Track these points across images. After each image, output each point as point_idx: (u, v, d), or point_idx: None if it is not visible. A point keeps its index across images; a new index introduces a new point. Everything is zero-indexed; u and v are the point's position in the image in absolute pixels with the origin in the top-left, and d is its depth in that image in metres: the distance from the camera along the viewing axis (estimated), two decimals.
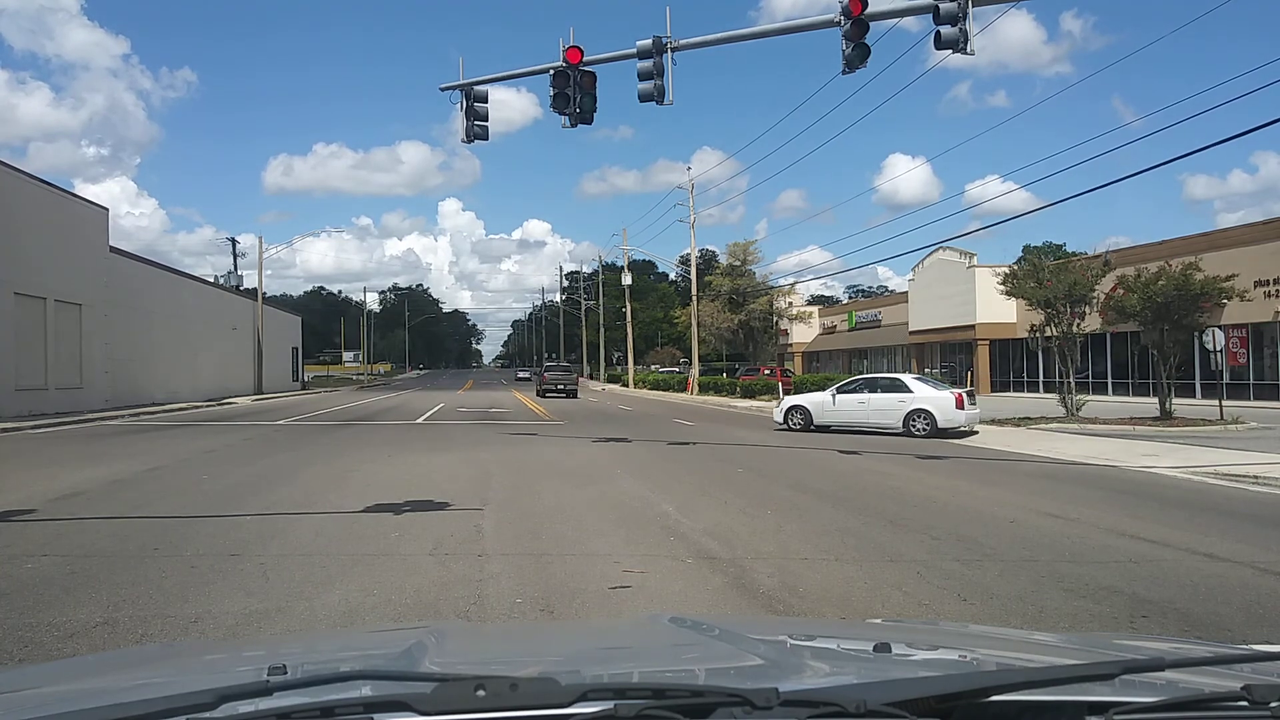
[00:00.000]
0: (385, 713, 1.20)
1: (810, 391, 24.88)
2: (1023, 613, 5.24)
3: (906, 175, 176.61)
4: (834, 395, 21.18)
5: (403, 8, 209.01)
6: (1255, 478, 11.53)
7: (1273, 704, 1.25)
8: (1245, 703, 1.27)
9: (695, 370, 48.52)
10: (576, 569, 6.35)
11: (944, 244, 44.49)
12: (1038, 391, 38.57)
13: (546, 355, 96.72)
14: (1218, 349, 21.92)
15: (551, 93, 13.57)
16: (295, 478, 11.81)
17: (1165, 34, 53.37)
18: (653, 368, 75.57)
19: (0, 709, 1.43)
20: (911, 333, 50.94)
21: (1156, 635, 4.47)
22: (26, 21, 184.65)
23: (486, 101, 14.84)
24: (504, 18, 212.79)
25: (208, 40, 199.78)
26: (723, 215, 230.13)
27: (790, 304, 54.22)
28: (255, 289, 50.99)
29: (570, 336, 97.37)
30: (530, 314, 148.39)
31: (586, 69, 13.66)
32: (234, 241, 62.09)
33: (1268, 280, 29.14)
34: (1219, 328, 22.62)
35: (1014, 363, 43.82)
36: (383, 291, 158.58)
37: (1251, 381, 30.83)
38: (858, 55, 12.23)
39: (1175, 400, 22.67)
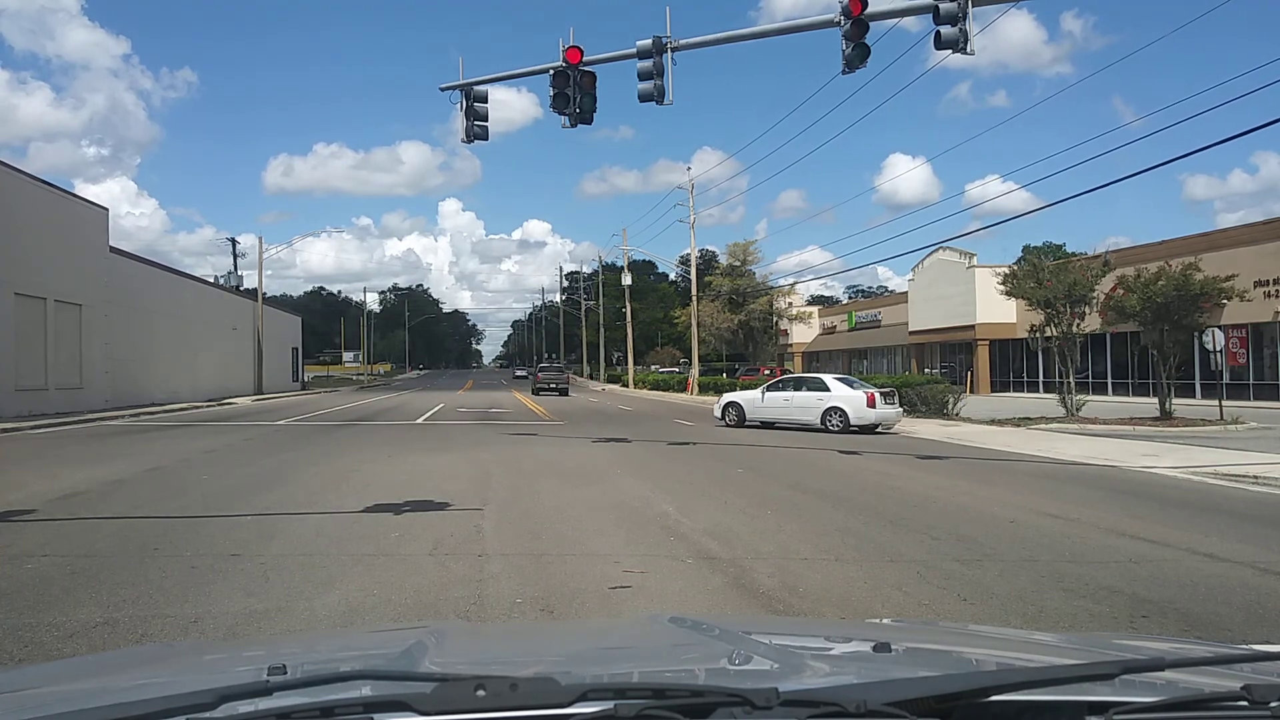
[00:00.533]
0: (385, 713, 1.20)
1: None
2: (1023, 613, 5.23)
3: (906, 175, 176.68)
4: (763, 393, 22.65)
5: (403, 8, 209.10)
6: (1255, 478, 11.53)
7: (1273, 704, 1.25)
8: (1245, 703, 1.27)
9: (695, 370, 48.51)
10: (576, 569, 6.35)
11: (944, 244, 44.52)
12: (1038, 391, 38.58)
13: (547, 355, 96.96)
14: (1217, 349, 21.93)
15: (551, 93, 13.58)
16: (295, 478, 11.81)
17: (1165, 34, 53.39)
18: (653, 368, 75.58)
19: (0, 709, 1.43)
20: (911, 333, 50.96)
21: (1156, 635, 4.47)
22: (27, 21, 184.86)
23: (486, 101, 14.85)
24: (504, 18, 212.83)
25: (208, 40, 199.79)
26: (723, 215, 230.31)
27: (790, 304, 54.25)
28: (255, 289, 51.00)
29: (570, 337, 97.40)
30: (530, 314, 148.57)
31: (586, 69, 13.66)
32: (234, 242, 62.13)
33: (1268, 280, 29.15)
34: (1219, 328, 22.64)
35: (1014, 363, 43.83)
36: (383, 292, 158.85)
37: (1251, 381, 30.84)
38: (858, 55, 12.23)
39: (1175, 400, 22.68)
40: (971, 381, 42.27)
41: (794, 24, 15.08)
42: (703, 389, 44.68)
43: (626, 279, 61.59)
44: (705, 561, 6.62)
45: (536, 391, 45.69)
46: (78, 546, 7.16)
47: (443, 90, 14.80)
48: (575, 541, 7.43)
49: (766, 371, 47.13)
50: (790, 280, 59.20)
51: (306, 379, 66.97)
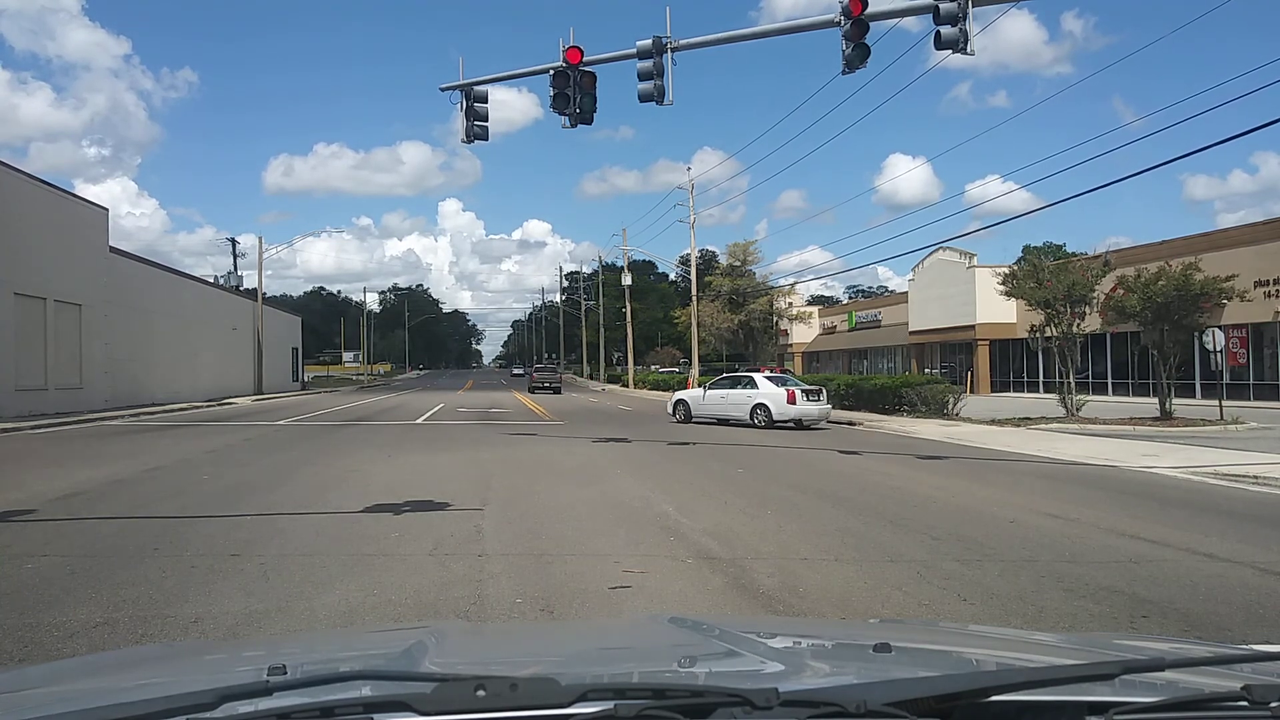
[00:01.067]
0: (385, 713, 1.20)
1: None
2: (1023, 613, 5.23)
3: (907, 175, 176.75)
4: (705, 391, 24.59)
5: (403, 8, 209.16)
6: (1255, 478, 11.53)
7: (1273, 704, 1.25)
8: (1245, 703, 1.27)
9: (695, 370, 48.46)
10: (576, 569, 6.35)
11: (944, 244, 44.52)
12: (1038, 391, 38.57)
13: (548, 356, 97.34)
14: (1218, 349, 21.93)
15: (552, 93, 13.58)
16: (295, 478, 11.81)
17: (1165, 34, 53.37)
18: (653, 368, 75.55)
19: (0, 709, 1.43)
20: (911, 333, 50.95)
21: (1156, 635, 4.47)
22: (28, 22, 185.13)
23: (486, 102, 14.85)
24: (504, 18, 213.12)
25: (209, 40, 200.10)
26: (723, 215, 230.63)
27: (790, 304, 54.12)
28: (255, 289, 51.00)
29: (570, 337, 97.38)
30: (530, 314, 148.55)
31: (586, 69, 13.66)
32: (234, 242, 62.14)
33: (1268, 280, 29.14)
34: (1219, 328, 22.63)
35: (1014, 363, 43.81)
36: (383, 292, 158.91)
37: (1251, 381, 30.83)
38: (858, 55, 12.23)
39: (1175, 400, 22.67)
40: (971, 381, 42.27)
41: (794, 24, 15.09)
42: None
43: (626, 279, 61.57)
44: (705, 561, 6.62)
45: (532, 389, 49.44)
46: (78, 546, 7.16)
47: (443, 90, 14.81)
48: (575, 541, 7.42)
49: (766, 372, 47.09)
50: (790, 280, 59.15)
51: (306, 379, 66.96)
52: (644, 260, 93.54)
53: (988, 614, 5.24)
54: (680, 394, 26.28)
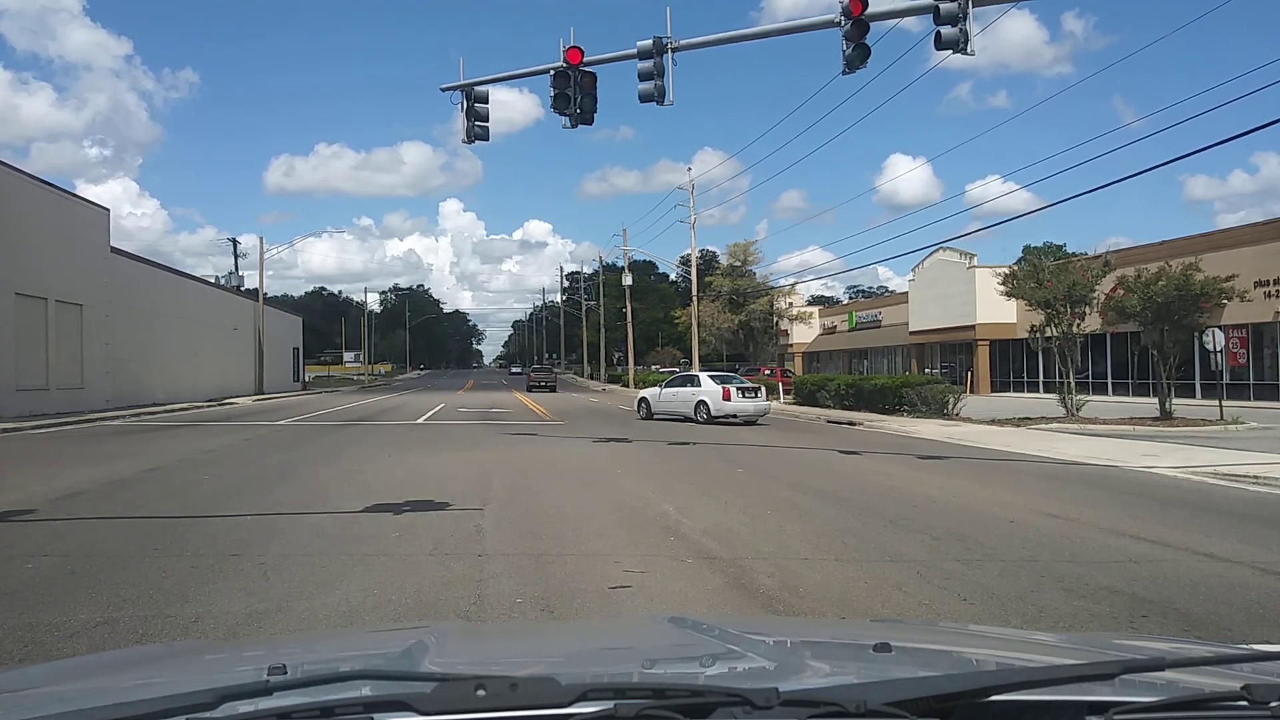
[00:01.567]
0: (385, 713, 1.20)
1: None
2: (1023, 613, 5.23)
3: (907, 175, 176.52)
4: (661, 389, 26.48)
5: (403, 8, 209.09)
6: (1255, 478, 11.52)
7: (1273, 704, 1.25)
8: (1245, 703, 1.27)
9: (696, 370, 48.47)
10: (577, 569, 6.35)
11: (944, 244, 44.49)
12: (1038, 391, 38.56)
13: (548, 356, 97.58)
14: (1218, 349, 21.92)
15: (552, 93, 13.57)
16: (296, 478, 11.82)
17: (1165, 34, 53.36)
18: (653, 368, 75.46)
19: (0, 709, 1.43)
20: (912, 333, 50.94)
21: (1156, 635, 4.47)
22: (29, 22, 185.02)
23: (487, 102, 14.84)
24: (505, 18, 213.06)
25: (210, 41, 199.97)
26: (723, 215, 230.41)
27: (790, 304, 54.15)
28: (256, 289, 50.97)
29: (571, 337, 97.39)
30: (531, 314, 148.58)
31: (587, 69, 13.65)
32: (235, 242, 62.08)
33: (1268, 280, 29.13)
34: (1219, 328, 22.62)
35: (1014, 363, 43.80)
36: (384, 292, 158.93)
37: (1251, 381, 30.82)
38: (858, 55, 12.22)
39: (1175, 400, 22.67)
40: (971, 381, 42.27)
41: (794, 24, 15.09)
42: None
43: (627, 279, 61.56)
44: (705, 561, 6.62)
45: (530, 388, 53.60)
46: (78, 546, 7.16)
47: (444, 91, 14.80)
48: (575, 541, 7.42)
49: (767, 371, 47.07)
50: (791, 280, 59.14)
51: (307, 379, 66.96)
52: (644, 260, 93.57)
53: (988, 614, 5.24)
54: (643, 392, 28.57)
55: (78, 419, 24.20)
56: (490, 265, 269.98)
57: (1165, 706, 1.29)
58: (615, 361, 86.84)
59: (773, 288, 50.17)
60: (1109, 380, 36.49)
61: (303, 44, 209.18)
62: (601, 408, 34.11)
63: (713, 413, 23.46)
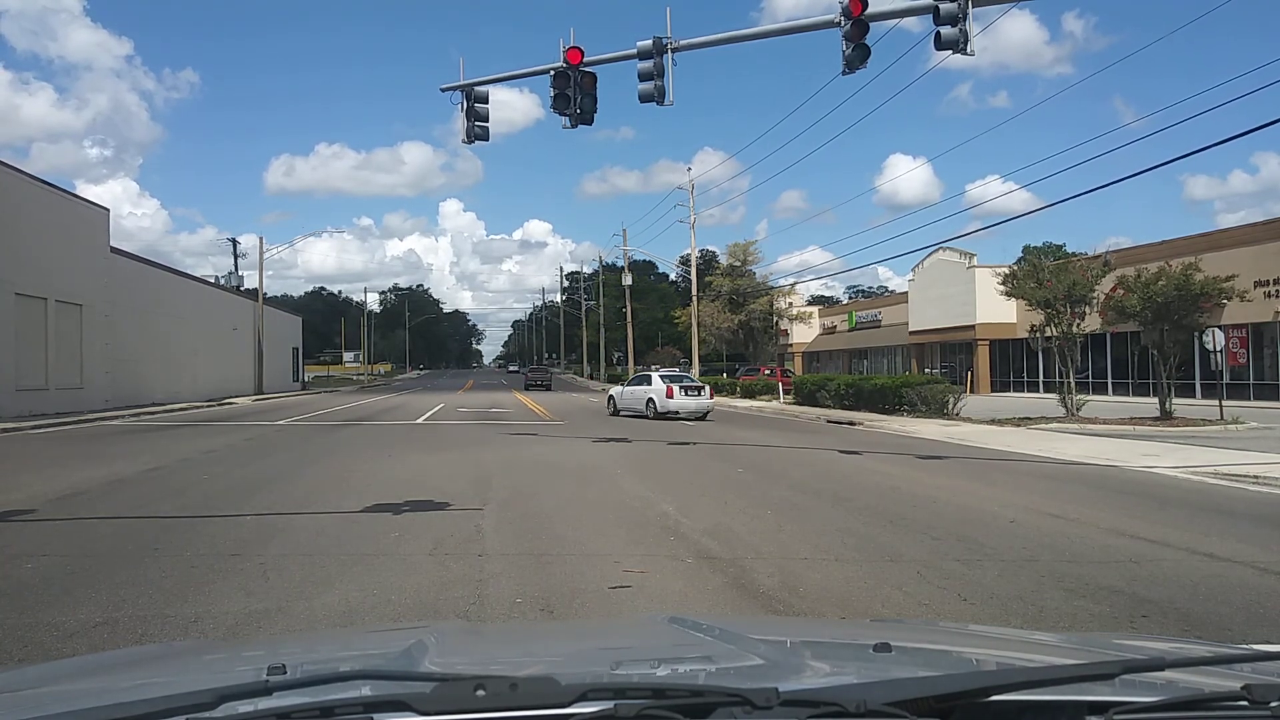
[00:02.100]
0: (385, 713, 1.20)
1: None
2: (1023, 613, 5.23)
3: (907, 176, 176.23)
4: (624, 387, 29.06)
5: (403, 8, 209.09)
6: (1255, 478, 11.52)
7: (1273, 704, 1.25)
8: (1245, 703, 1.27)
9: (695, 370, 48.47)
10: (576, 569, 6.34)
11: (944, 244, 44.50)
12: (1038, 391, 38.56)
13: (547, 355, 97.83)
14: (1218, 349, 21.91)
15: (552, 93, 13.57)
16: (295, 478, 11.81)
17: (1165, 34, 53.35)
18: (653, 368, 75.43)
19: (0, 709, 1.43)
20: (911, 333, 50.94)
21: (1156, 635, 4.46)
22: (29, 22, 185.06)
23: (487, 102, 14.84)
24: (505, 18, 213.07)
25: (210, 41, 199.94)
26: (723, 215, 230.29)
27: (790, 304, 54.19)
28: (256, 289, 50.99)
29: (570, 337, 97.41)
30: (531, 314, 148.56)
31: (587, 69, 13.65)
32: (235, 242, 62.05)
33: (1268, 280, 29.13)
34: (1219, 328, 22.61)
35: (1014, 363, 43.80)
36: (383, 292, 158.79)
37: (1251, 381, 30.82)
38: (858, 56, 12.22)
39: (1175, 400, 22.65)
40: (971, 381, 42.27)
41: (794, 25, 15.08)
42: None
43: (627, 279, 61.60)
44: (705, 561, 6.62)
45: (527, 387, 56.44)
46: (78, 546, 7.16)
47: (444, 91, 14.80)
48: (575, 541, 7.42)
49: (767, 371, 47.12)
50: (790, 280, 59.19)
51: (307, 379, 66.95)
52: (644, 260, 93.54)
53: (988, 614, 5.24)
54: (612, 390, 31.54)
55: (77, 419, 24.20)
56: (490, 265, 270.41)
57: (1165, 706, 1.29)
58: (615, 361, 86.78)
59: (773, 288, 50.22)
60: (1109, 380, 36.49)
61: (303, 44, 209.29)
62: (601, 408, 34.09)
63: (659, 409, 25.48)
